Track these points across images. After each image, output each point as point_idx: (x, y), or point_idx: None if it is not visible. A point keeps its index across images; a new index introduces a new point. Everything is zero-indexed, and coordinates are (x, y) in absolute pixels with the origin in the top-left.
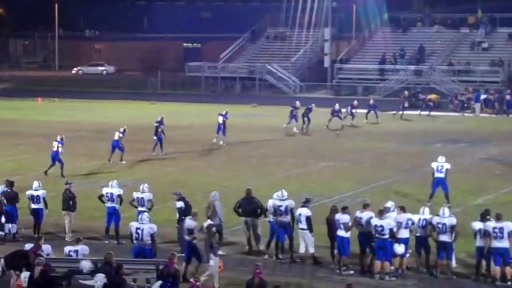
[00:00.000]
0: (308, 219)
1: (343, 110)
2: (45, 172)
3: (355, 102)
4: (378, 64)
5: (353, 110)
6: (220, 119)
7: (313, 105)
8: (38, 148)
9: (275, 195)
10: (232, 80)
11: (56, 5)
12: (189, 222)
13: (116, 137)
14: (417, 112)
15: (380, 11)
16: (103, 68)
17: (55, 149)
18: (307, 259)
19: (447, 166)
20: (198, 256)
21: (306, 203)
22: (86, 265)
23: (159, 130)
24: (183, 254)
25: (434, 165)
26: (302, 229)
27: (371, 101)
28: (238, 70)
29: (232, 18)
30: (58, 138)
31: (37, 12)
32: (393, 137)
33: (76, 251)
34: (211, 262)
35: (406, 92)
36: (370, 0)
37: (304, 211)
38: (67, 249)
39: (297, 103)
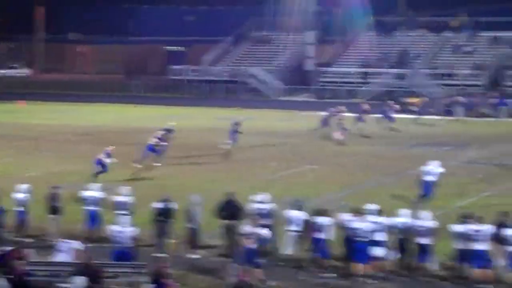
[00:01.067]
0: (305, 222)
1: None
2: (95, 176)
3: (367, 106)
4: (361, 67)
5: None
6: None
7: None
8: (22, 151)
9: (257, 198)
10: (216, 83)
11: (41, 8)
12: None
13: (151, 142)
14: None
15: (364, 15)
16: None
17: (99, 157)
18: (289, 261)
19: (440, 170)
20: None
21: (300, 206)
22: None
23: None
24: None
25: (426, 168)
26: (297, 231)
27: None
28: (222, 73)
29: (216, 21)
30: (109, 149)
31: (22, 15)
32: (379, 140)
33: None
34: None
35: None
36: (354, 3)
37: (300, 214)
38: (59, 245)
39: (338, 108)
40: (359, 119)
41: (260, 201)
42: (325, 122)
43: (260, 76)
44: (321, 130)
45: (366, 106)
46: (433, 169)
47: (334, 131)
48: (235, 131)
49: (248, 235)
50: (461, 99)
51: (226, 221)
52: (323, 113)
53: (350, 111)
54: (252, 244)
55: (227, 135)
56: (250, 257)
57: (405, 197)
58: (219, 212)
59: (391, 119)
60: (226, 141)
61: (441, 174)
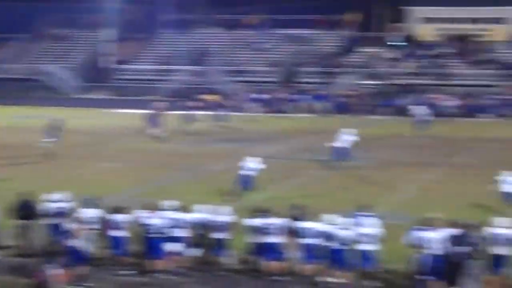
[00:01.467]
0: (101, 220)
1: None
2: None
3: (160, 104)
4: (161, 65)
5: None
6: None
7: None
8: None
9: (54, 197)
10: (11, 81)
11: None
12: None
13: None
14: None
15: (165, 13)
16: None
17: None
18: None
19: (259, 166)
20: None
21: (96, 204)
22: None
23: None
24: None
25: (245, 163)
26: (94, 229)
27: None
28: (18, 71)
29: (11, 17)
30: None
31: None
32: (173, 137)
33: None
34: None
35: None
36: (155, 1)
37: (96, 212)
38: None
39: (157, 104)
40: (187, 117)
41: (58, 200)
42: (152, 119)
43: (57, 74)
44: (148, 128)
45: (191, 104)
46: (249, 164)
47: (154, 128)
48: (54, 129)
49: (73, 233)
50: (258, 95)
51: (22, 221)
52: (148, 111)
53: (171, 108)
54: (77, 243)
55: (44, 134)
56: (75, 256)
57: (211, 193)
58: (14, 212)
59: (191, 117)
60: (44, 140)
61: (259, 170)
